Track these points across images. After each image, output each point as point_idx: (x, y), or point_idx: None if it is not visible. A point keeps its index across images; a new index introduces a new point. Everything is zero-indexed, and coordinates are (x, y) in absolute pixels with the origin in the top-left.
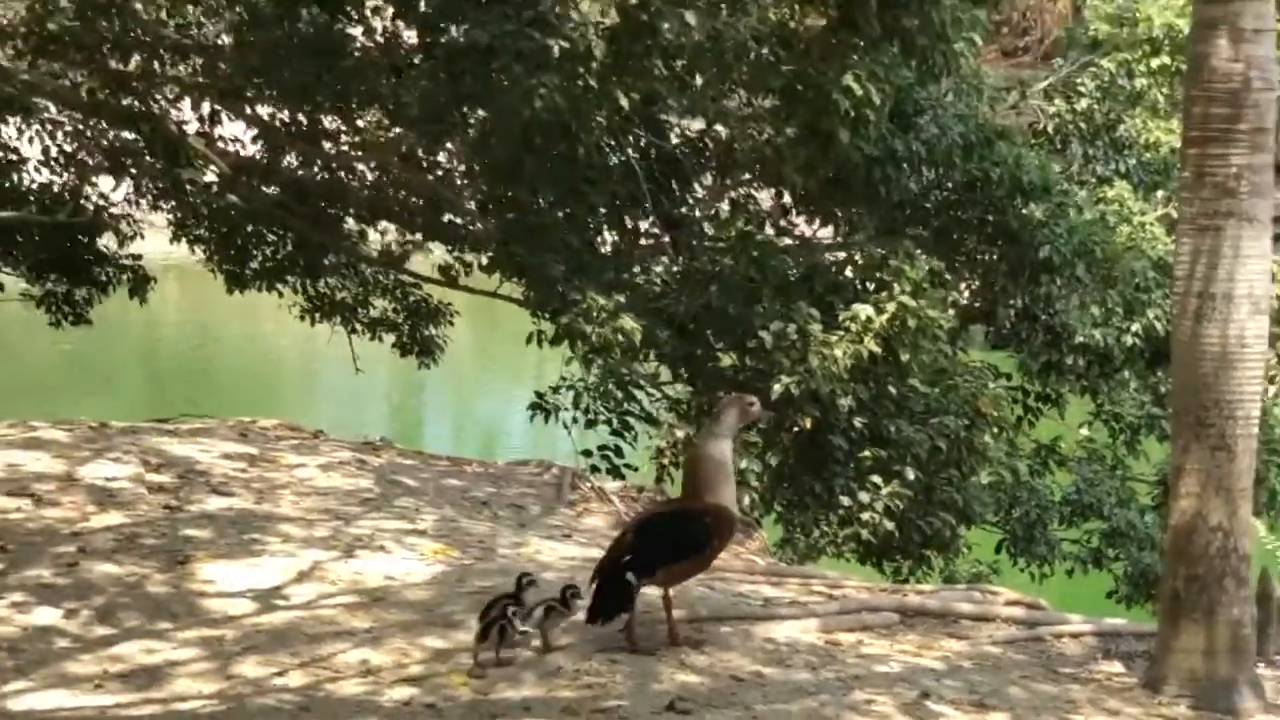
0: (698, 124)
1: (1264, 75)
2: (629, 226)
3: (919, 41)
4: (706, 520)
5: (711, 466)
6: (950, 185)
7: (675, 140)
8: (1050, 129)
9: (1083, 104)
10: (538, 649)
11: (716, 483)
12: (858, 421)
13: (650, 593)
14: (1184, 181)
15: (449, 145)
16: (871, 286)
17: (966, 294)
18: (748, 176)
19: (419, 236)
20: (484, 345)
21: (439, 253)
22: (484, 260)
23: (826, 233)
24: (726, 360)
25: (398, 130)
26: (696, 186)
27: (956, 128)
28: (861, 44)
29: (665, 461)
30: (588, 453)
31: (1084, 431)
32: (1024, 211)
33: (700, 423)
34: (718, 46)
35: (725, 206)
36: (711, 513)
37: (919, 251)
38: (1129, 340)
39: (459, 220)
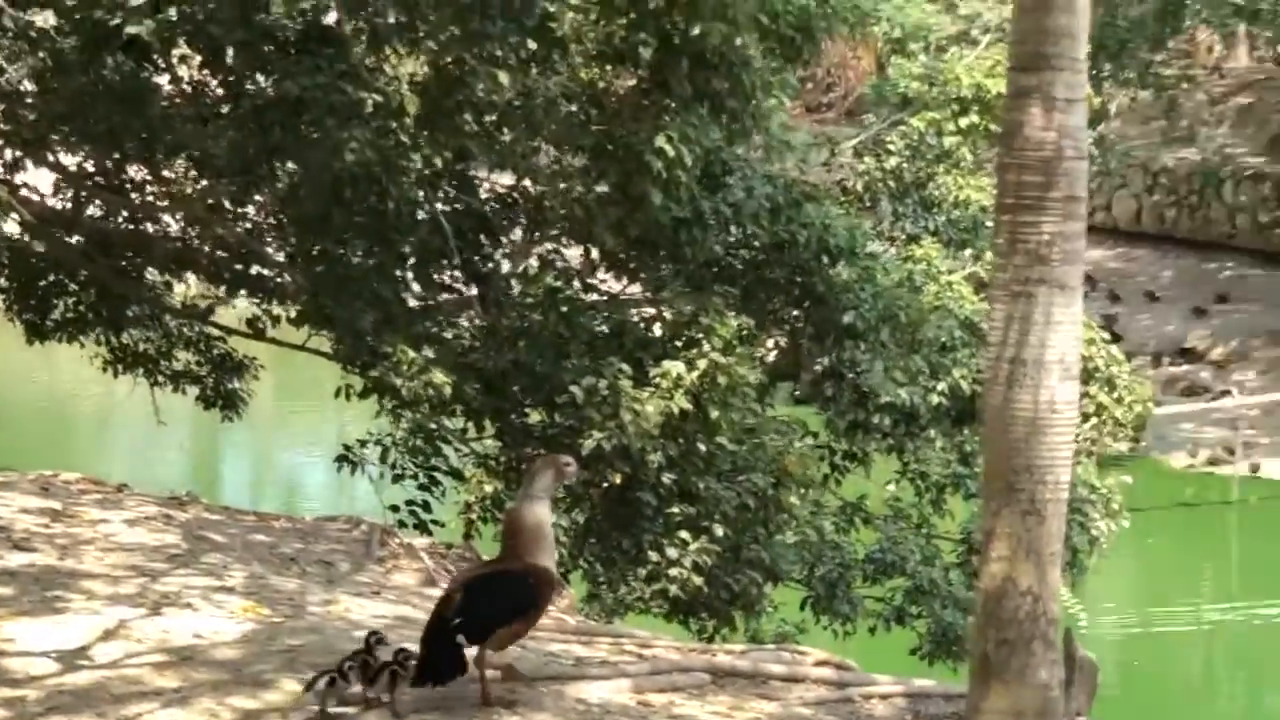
0: (507, 179)
1: (1076, 144)
2: (437, 281)
3: (729, 103)
4: (530, 581)
5: (529, 528)
6: (757, 246)
7: (485, 195)
8: (860, 186)
9: (892, 162)
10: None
11: (535, 544)
12: (667, 478)
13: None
14: (997, 248)
15: (257, 197)
16: (681, 344)
17: (774, 351)
18: (556, 232)
19: (224, 290)
20: (288, 398)
21: (245, 305)
22: (292, 313)
23: (635, 289)
24: (535, 416)
25: (205, 181)
26: (505, 241)
27: (764, 189)
28: (672, 105)
29: (473, 517)
30: (395, 508)
31: (890, 489)
32: (830, 274)
33: (509, 479)
34: (528, 104)
35: (534, 262)
36: (534, 573)
37: (728, 309)
38: (935, 399)
39: (267, 272)
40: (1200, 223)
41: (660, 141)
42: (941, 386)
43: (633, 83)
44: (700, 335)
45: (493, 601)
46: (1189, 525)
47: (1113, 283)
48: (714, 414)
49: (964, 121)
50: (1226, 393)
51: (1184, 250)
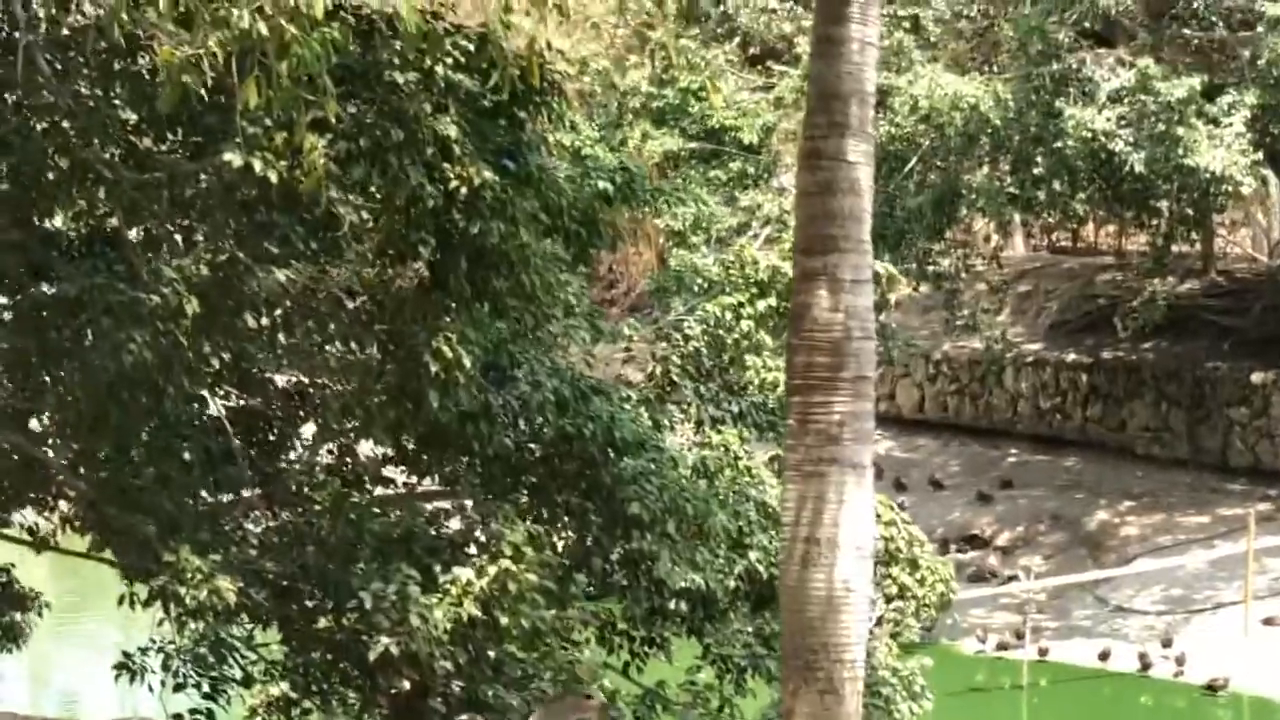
0: (295, 376)
1: (863, 325)
2: (223, 483)
3: (509, 303)
4: None
5: None
6: (546, 439)
7: (271, 391)
8: (659, 373)
9: (690, 347)
10: None
11: None
12: (456, 685)
13: None
14: (789, 429)
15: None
16: (472, 549)
17: (571, 540)
18: (344, 427)
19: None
20: (73, 600)
21: (28, 514)
22: (76, 521)
23: (428, 481)
24: (323, 621)
25: None
26: (291, 440)
27: (551, 383)
28: (452, 304)
29: None
30: (179, 717)
31: (697, 675)
32: (617, 467)
33: (295, 682)
34: (310, 301)
35: (324, 459)
36: None
37: (519, 513)
38: (732, 583)
39: (50, 480)
40: (983, 410)
41: (439, 343)
42: (738, 569)
43: (414, 280)
44: (490, 540)
45: None
46: (982, 711)
47: (898, 471)
48: (504, 620)
49: (761, 304)
50: (1014, 578)
51: (967, 437)
